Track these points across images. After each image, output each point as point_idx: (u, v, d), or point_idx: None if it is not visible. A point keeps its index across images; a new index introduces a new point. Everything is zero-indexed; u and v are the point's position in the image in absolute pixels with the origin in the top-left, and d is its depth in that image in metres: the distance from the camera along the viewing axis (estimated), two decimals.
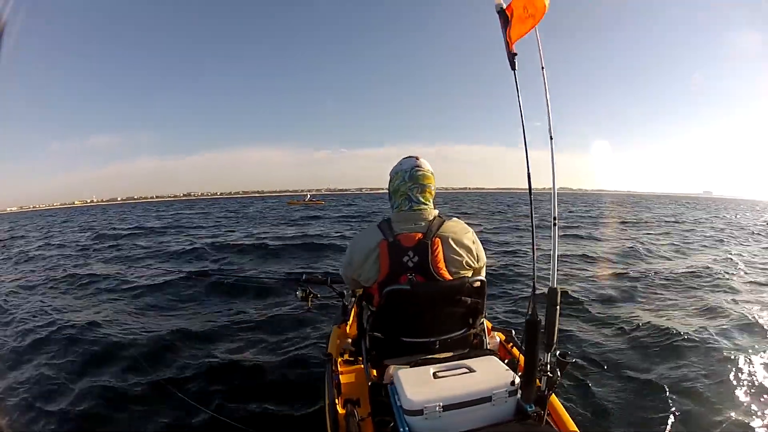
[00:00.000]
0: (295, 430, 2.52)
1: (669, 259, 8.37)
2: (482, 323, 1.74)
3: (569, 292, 5.23)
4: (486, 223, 16.15)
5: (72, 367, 3.46)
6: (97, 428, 2.64)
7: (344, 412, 1.53)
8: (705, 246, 10.59)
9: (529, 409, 1.34)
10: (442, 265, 1.57)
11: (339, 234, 12.67)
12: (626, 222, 17.95)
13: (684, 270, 6.98)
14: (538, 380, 1.41)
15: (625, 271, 6.98)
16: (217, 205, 53.47)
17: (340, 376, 1.91)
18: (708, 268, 7.13)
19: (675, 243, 11.05)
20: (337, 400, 1.67)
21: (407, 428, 1.26)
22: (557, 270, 1.49)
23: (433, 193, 1.72)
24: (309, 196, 47.89)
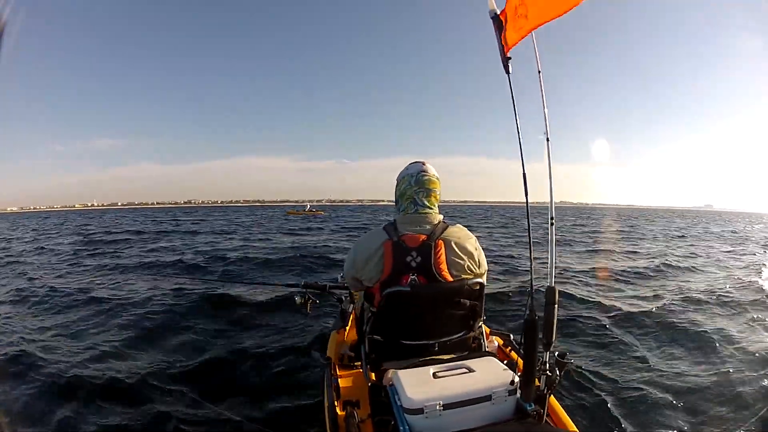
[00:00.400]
0: None
1: (701, 273, 8.20)
2: (480, 327, 1.76)
3: (616, 311, 4.94)
4: (501, 237, 15.69)
5: (33, 402, 2.90)
6: None
7: (344, 413, 1.54)
8: (731, 259, 10.54)
9: (528, 408, 1.34)
10: (444, 267, 1.59)
11: (336, 245, 12.41)
12: (642, 237, 17.74)
13: (722, 284, 6.82)
14: (537, 380, 1.42)
15: (662, 287, 6.71)
16: (216, 213, 53.49)
17: (339, 379, 1.93)
18: (745, 281, 7.04)
19: (700, 256, 11.02)
20: (336, 403, 1.69)
21: (408, 427, 1.26)
22: (555, 268, 1.51)
23: (438, 197, 1.75)
24: (309, 206, 48.19)
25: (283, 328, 4.36)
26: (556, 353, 1.45)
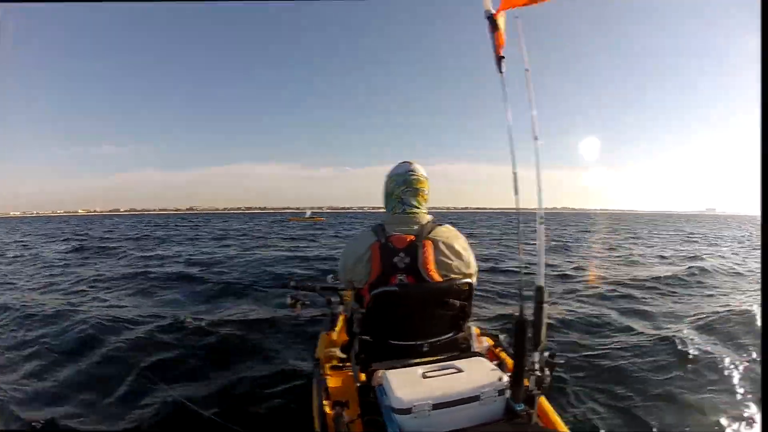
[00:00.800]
0: None
1: (739, 277, 7.85)
2: (470, 327, 1.75)
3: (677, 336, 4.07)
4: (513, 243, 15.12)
5: None
6: None
7: (332, 413, 1.53)
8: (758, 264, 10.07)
9: (518, 409, 1.34)
10: (432, 267, 1.59)
11: (331, 253, 12.15)
12: (658, 242, 17.15)
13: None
14: (526, 380, 1.41)
15: (704, 295, 6.29)
16: (216, 220, 53.48)
17: (328, 379, 1.93)
18: None
19: (728, 258, 10.65)
20: (325, 403, 1.67)
21: (396, 427, 1.26)
22: (544, 267, 1.47)
23: (426, 197, 1.75)
24: (309, 212, 48.50)
25: (271, 329, 4.31)
26: (546, 353, 1.44)
